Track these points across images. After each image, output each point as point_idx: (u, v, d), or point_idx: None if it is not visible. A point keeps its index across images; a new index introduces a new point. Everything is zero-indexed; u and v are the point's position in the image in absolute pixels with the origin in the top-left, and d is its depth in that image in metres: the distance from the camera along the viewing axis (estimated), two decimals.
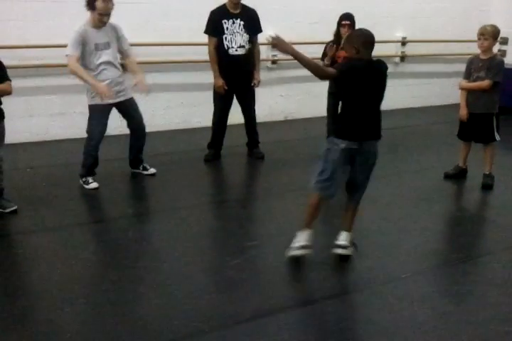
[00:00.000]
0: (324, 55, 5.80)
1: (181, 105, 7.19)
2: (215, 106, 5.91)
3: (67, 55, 4.72)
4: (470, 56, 5.33)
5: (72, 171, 5.38)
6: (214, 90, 5.81)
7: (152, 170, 5.40)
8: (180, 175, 5.49)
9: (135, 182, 5.18)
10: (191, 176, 5.50)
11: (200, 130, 6.69)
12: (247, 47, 5.68)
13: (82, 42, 4.70)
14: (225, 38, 5.59)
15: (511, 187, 5.32)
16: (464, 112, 5.24)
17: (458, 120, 5.37)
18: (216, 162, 5.97)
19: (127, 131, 5.31)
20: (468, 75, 5.22)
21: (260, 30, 5.80)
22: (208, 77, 5.86)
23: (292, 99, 7.94)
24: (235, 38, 5.60)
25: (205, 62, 5.86)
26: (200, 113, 6.90)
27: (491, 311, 3.22)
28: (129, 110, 5.12)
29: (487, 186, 5.24)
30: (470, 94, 5.19)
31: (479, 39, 5.05)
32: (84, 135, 5.04)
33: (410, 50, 8.66)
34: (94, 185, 5.08)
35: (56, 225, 4.29)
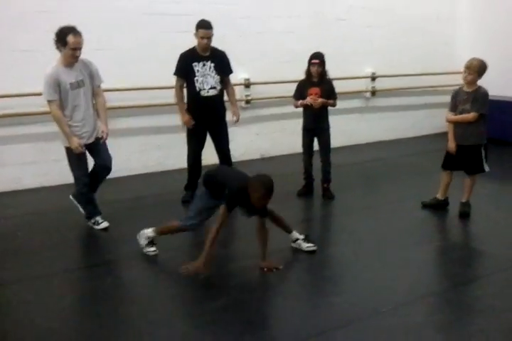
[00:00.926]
0: (296, 92, 5.89)
1: (156, 148, 7.17)
2: (188, 147, 5.89)
3: (48, 101, 4.70)
4: (455, 88, 5.36)
5: (47, 219, 5.28)
6: (187, 131, 5.80)
7: (104, 225, 5.08)
8: (158, 218, 5.39)
9: (112, 227, 5.09)
10: (169, 219, 5.42)
11: (176, 172, 6.66)
12: (218, 88, 5.71)
13: (57, 84, 4.65)
14: (197, 80, 5.60)
15: (490, 215, 5.36)
16: (452, 145, 5.24)
17: (445, 152, 5.36)
18: None
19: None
20: (454, 108, 5.24)
21: (231, 71, 5.86)
22: None
23: (267, 137, 7.96)
24: (207, 80, 5.62)
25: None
26: (175, 155, 6.88)
27: (477, 340, 3.20)
28: (98, 148, 4.99)
29: (464, 214, 5.26)
30: (457, 126, 5.20)
31: (464, 72, 5.08)
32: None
33: (380, 84, 8.80)
34: (104, 224, 5.02)
35: (32, 275, 4.17)
